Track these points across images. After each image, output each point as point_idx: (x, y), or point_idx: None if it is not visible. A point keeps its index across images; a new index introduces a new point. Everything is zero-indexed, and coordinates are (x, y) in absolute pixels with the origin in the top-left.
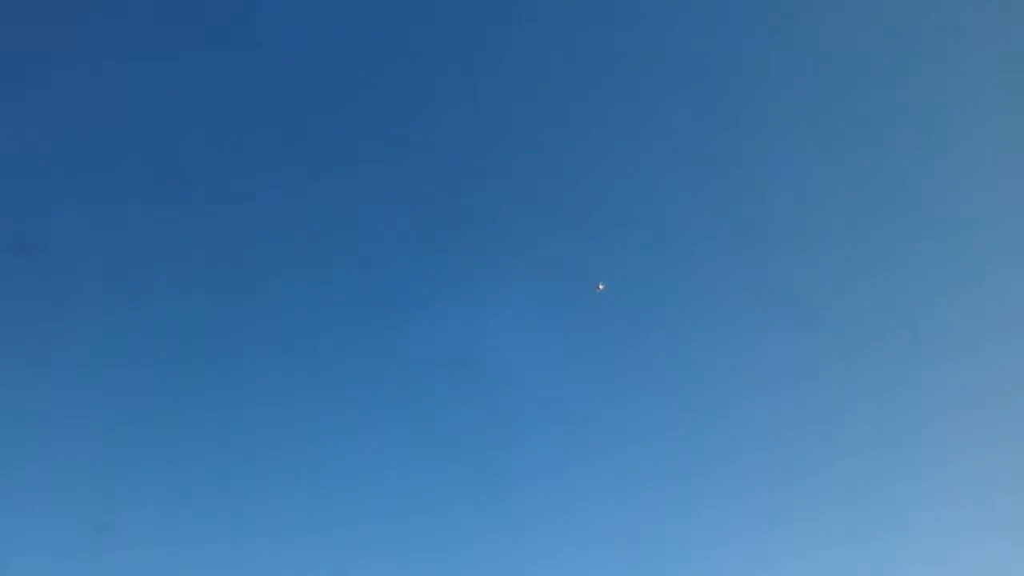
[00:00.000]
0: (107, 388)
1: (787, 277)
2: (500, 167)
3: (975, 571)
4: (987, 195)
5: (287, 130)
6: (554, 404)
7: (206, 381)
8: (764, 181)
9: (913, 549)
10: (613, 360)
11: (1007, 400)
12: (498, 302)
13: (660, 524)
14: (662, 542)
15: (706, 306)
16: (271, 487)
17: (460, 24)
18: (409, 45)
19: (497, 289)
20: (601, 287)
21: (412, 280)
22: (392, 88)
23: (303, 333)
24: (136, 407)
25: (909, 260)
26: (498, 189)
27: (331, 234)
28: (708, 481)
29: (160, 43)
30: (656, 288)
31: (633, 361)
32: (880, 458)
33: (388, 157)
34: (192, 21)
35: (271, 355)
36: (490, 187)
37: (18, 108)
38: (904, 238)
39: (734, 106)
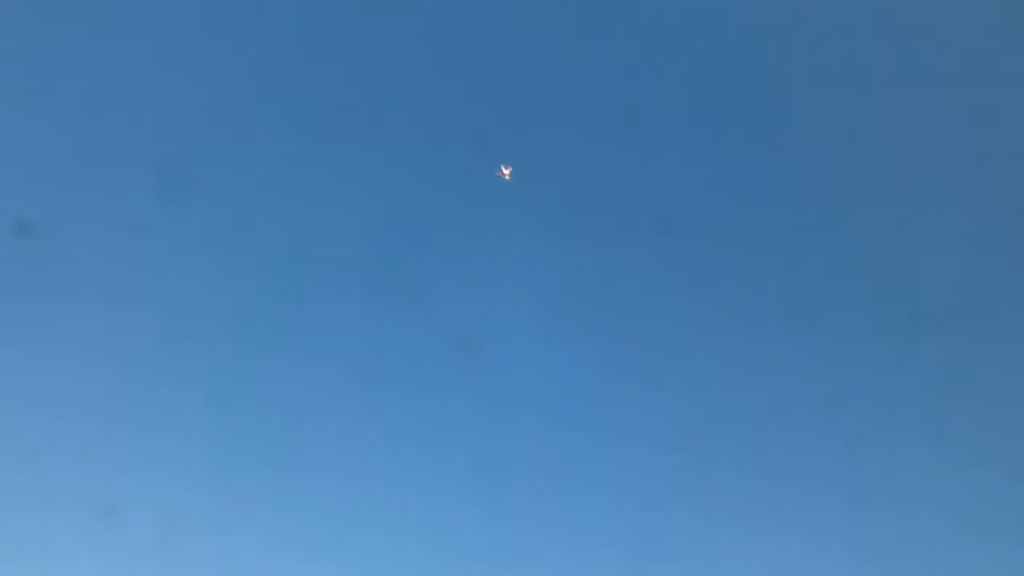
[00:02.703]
0: (111, 373)
1: (788, 272)
2: (507, 159)
3: (974, 568)
4: (988, 193)
5: (294, 121)
6: (556, 392)
7: (210, 365)
8: (766, 177)
9: (912, 548)
10: (615, 349)
11: (1007, 399)
12: (502, 291)
13: (657, 511)
14: (658, 529)
15: (708, 298)
16: (273, 470)
17: (468, 18)
18: (416, 39)
19: (501, 278)
20: (506, 172)
21: (417, 268)
22: (399, 82)
23: (307, 320)
24: (140, 393)
25: (911, 259)
26: (504, 181)
27: (337, 223)
28: (705, 469)
29: (163, 37)
30: (658, 280)
31: (635, 350)
32: (877, 454)
33: (396, 148)
34: (194, 18)
35: (275, 342)
36: (496, 179)
37: (22, 102)
38: (906, 237)
39: (738, 105)
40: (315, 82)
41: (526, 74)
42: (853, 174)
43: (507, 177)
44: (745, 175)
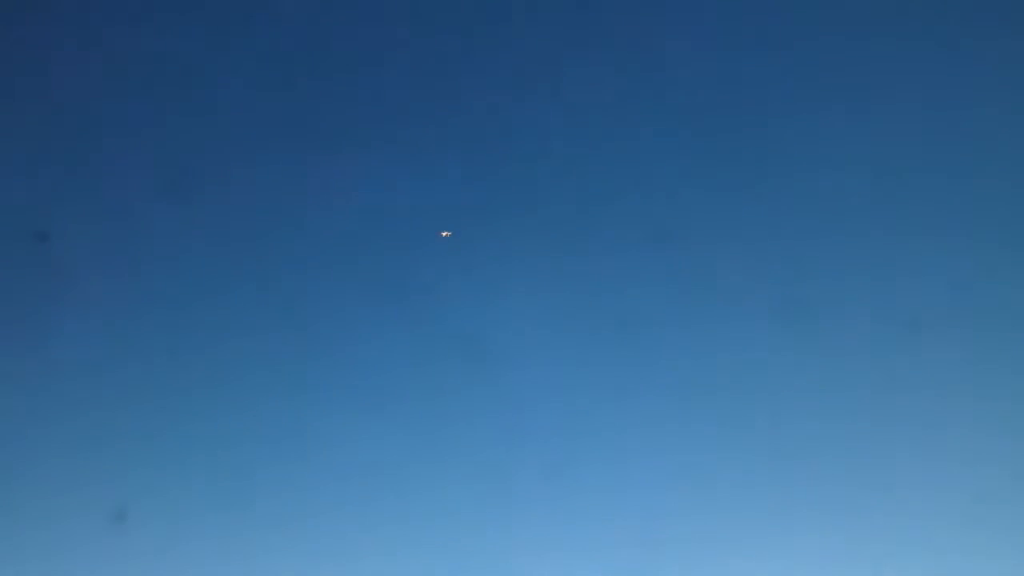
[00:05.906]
0: (119, 375)
1: (789, 274)
2: (509, 157)
3: (973, 570)
4: (989, 192)
5: (298, 123)
6: (562, 396)
7: (216, 370)
8: (766, 179)
9: (913, 550)
10: (622, 353)
11: (1007, 397)
12: (508, 295)
13: (662, 513)
14: (663, 531)
15: (712, 302)
16: (279, 473)
17: (467, 19)
18: (417, 39)
19: (504, 280)
20: (445, 234)
21: (422, 273)
22: (401, 81)
23: (312, 324)
24: (148, 396)
25: (912, 257)
26: (506, 181)
27: (338, 220)
28: (710, 475)
29: (168, 37)
30: (662, 283)
31: (641, 355)
32: (879, 457)
33: (398, 145)
34: (194, 16)
35: (279, 346)
36: (498, 179)
37: (23, 103)
38: (907, 234)
39: (732, 106)
40: (320, 85)
41: (530, 80)
42: (853, 178)
43: (445, 236)
44: (748, 181)
